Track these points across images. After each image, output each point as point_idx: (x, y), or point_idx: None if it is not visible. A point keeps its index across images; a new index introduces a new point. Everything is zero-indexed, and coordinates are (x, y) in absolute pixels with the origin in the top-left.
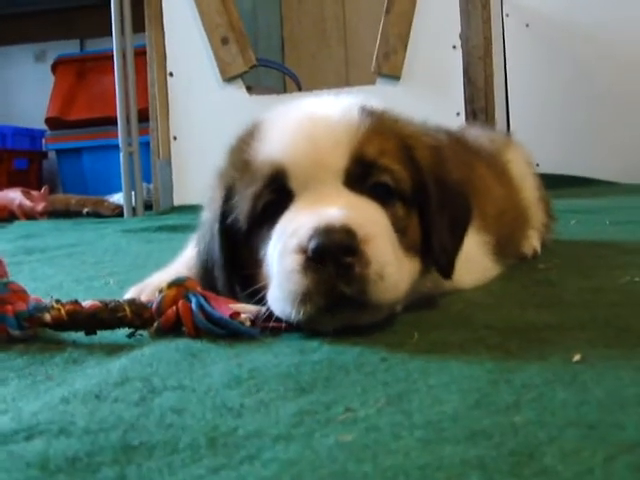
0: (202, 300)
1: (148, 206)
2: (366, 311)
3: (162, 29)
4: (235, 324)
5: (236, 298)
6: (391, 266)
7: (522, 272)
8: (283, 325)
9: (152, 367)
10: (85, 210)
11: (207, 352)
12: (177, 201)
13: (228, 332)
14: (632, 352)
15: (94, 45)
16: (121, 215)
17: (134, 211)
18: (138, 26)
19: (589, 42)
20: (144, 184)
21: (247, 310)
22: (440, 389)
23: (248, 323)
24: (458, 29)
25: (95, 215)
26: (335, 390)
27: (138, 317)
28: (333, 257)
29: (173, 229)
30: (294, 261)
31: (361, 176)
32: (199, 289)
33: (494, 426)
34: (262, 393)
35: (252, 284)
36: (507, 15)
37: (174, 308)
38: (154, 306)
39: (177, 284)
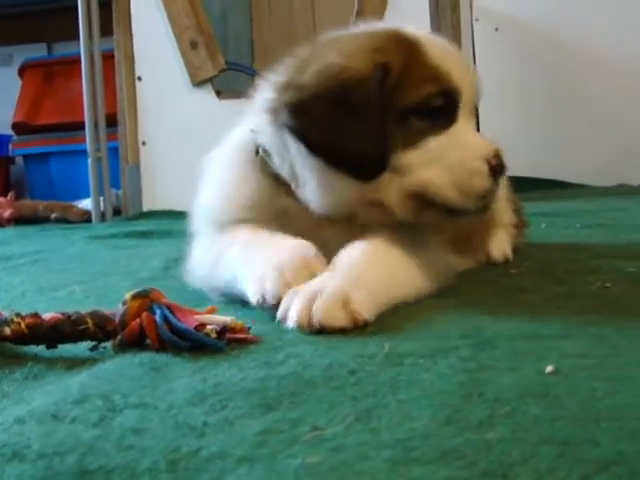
0: (167, 312)
1: (117, 212)
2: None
3: (130, 33)
4: (200, 336)
5: (385, 154)
6: None
7: (493, 277)
8: (249, 337)
9: (113, 383)
10: (53, 216)
11: (171, 366)
12: (146, 206)
13: (193, 344)
14: (605, 361)
15: (61, 49)
16: (90, 221)
17: (103, 217)
18: (106, 30)
19: (559, 46)
20: (113, 190)
21: (213, 321)
22: (410, 404)
23: (214, 335)
24: None
25: (63, 221)
26: (302, 406)
27: (101, 330)
28: (500, 177)
29: (142, 235)
30: (482, 165)
31: None
32: (164, 300)
33: (466, 444)
34: (226, 410)
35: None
36: (476, 20)
37: (138, 320)
38: (117, 318)
39: (141, 295)
